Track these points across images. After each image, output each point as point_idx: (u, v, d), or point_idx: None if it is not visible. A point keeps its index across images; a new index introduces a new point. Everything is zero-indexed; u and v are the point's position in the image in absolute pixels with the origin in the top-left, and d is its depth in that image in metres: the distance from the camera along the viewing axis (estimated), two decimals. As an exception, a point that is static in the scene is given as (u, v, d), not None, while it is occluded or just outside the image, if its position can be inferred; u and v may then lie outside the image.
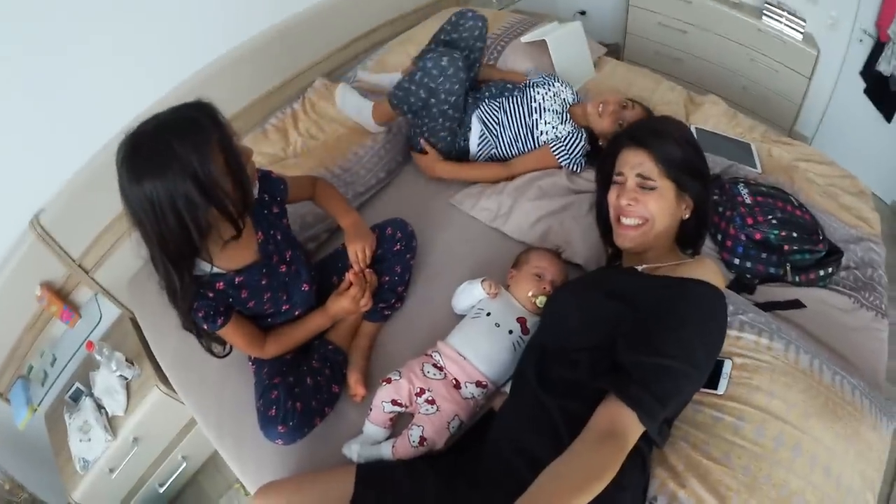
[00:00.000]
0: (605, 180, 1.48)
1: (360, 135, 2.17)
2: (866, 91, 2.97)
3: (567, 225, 1.85)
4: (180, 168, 1.05)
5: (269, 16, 2.25)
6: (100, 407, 1.90)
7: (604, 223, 1.54)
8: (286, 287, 1.44)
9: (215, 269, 1.26)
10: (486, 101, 2.16)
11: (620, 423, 1.04)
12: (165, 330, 1.74)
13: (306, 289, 1.49)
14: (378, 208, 2.07)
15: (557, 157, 2.03)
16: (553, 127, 2.06)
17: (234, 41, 2.16)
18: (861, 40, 2.90)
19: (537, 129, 2.07)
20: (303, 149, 2.19)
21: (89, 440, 1.84)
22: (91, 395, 1.92)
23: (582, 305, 1.30)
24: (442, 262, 1.84)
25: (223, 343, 1.40)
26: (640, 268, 1.33)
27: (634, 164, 1.37)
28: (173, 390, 1.75)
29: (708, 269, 1.23)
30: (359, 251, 1.52)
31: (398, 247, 1.67)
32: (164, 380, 1.78)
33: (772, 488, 1.27)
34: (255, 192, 1.26)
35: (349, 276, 1.50)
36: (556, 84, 2.19)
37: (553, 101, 2.11)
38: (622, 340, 1.15)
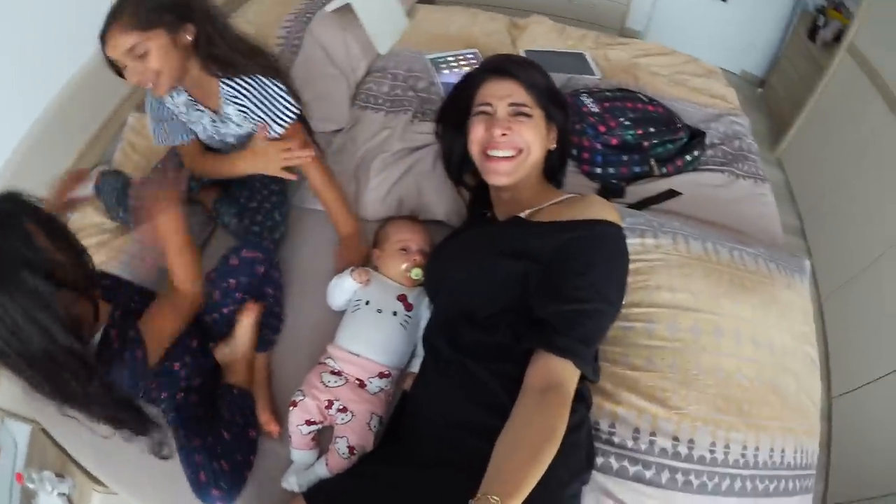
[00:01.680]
0: (460, 119, 1.39)
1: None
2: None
3: (418, 184, 1.71)
4: (14, 266, 0.96)
5: (57, 71, 1.92)
6: (57, 535, 1.75)
7: (456, 169, 1.49)
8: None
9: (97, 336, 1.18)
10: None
11: (556, 374, 1.02)
12: (72, 427, 1.55)
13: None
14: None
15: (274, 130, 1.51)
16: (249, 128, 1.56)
17: (31, 117, 1.83)
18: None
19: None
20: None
21: (66, 576, 1.70)
22: (44, 526, 1.77)
23: (481, 269, 1.22)
24: (306, 262, 1.68)
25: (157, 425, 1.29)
26: (523, 215, 1.24)
27: (503, 94, 1.29)
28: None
29: (598, 205, 1.19)
30: None
31: (262, 269, 1.52)
32: (96, 479, 1.64)
33: (707, 376, 1.27)
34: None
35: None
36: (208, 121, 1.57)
37: (225, 128, 1.56)
38: (535, 296, 1.11)
